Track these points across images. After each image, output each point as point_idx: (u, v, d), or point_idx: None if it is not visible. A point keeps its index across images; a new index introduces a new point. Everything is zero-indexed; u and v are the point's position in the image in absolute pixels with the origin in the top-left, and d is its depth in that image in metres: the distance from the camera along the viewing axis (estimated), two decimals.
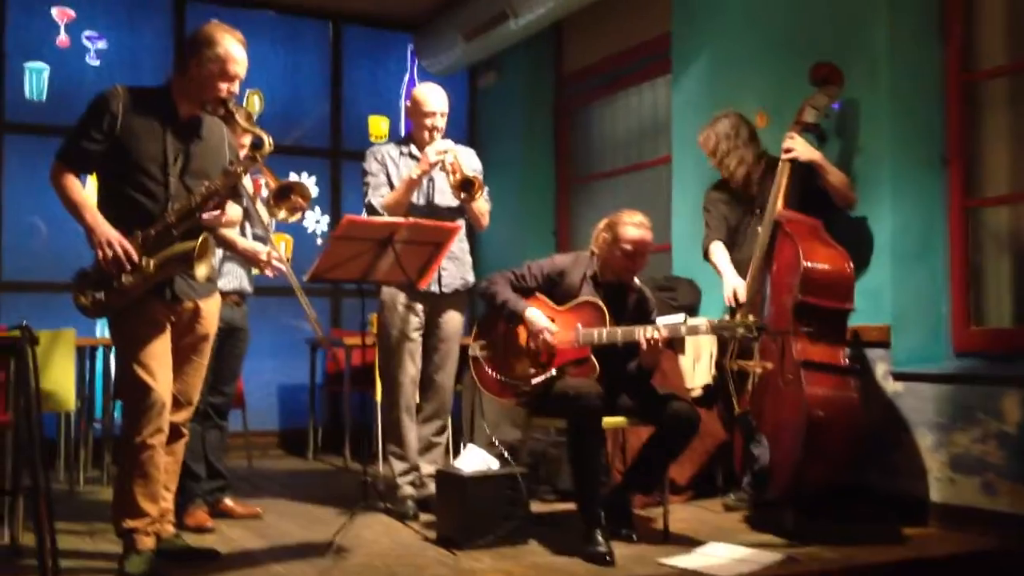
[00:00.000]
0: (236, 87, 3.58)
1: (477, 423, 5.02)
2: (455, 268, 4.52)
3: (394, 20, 7.68)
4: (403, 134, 7.62)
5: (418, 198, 4.45)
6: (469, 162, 4.52)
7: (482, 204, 4.51)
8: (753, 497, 4.29)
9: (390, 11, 7.52)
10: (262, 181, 4.42)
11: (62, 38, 6.67)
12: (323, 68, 7.61)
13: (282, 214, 4.12)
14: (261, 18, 7.34)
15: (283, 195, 4.17)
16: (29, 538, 3.58)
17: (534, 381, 3.90)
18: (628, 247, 3.96)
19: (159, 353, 3.45)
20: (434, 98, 4.48)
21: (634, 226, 3.98)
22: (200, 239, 3.40)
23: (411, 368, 4.46)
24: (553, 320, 3.98)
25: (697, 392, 4.96)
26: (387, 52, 7.78)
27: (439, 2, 7.25)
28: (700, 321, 4.02)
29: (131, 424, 3.41)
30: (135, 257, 3.36)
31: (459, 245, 4.55)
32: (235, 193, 3.78)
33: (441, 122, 4.48)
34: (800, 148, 4.23)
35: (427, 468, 4.48)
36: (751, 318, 3.72)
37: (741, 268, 4.37)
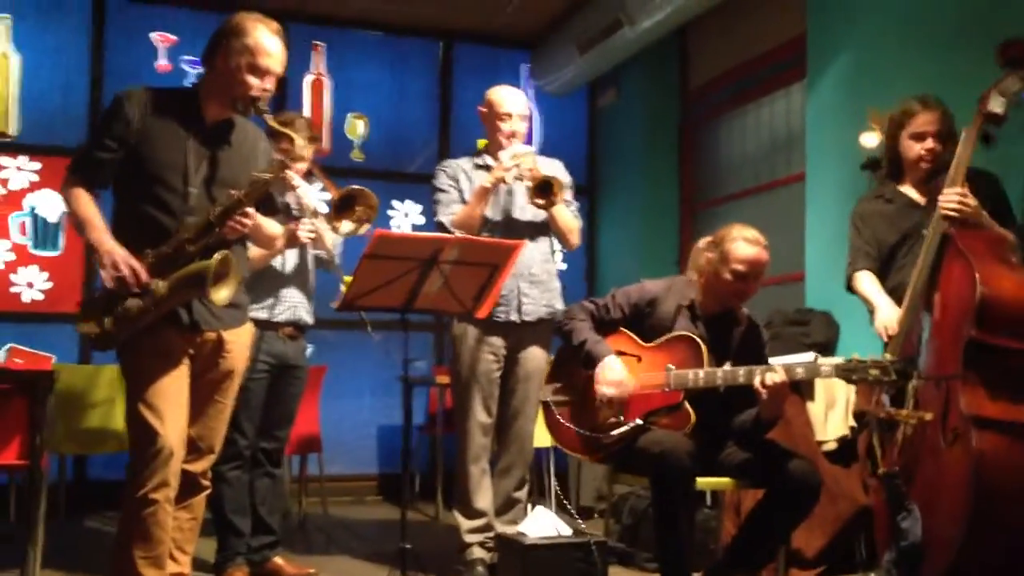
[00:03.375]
0: (270, 84, 3.10)
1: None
2: (539, 294, 3.91)
3: (507, 38, 7.19)
4: None
5: (495, 213, 3.89)
6: (556, 172, 3.93)
7: (568, 217, 3.90)
8: None
9: (503, 28, 7.02)
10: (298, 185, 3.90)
11: (162, 63, 6.46)
12: (432, 90, 7.17)
13: (345, 227, 3.66)
14: (368, 39, 6.99)
15: (345, 206, 3.70)
16: None
17: (614, 433, 3.23)
18: (740, 267, 3.27)
19: (170, 392, 2.97)
20: (511, 99, 3.93)
21: (747, 242, 3.29)
22: (217, 258, 2.91)
23: (481, 414, 3.87)
24: (639, 359, 3.31)
25: (831, 446, 4.17)
26: (500, 71, 7.26)
27: (554, 16, 6.73)
28: (825, 361, 3.25)
29: (133, 475, 2.93)
30: (144, 278, 2.90)
31: (544, 267, 3.95)
32: (273, 208, 3.29)
33: (520, 126, 3.92)
34: (962, 209, 3.22)
35: (504, 529, 3.85)
36: (887, 356, 2.97)
37: (895, 298, 3.48)
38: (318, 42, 6.79)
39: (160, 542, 2.94)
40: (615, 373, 3.26)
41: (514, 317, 3.86)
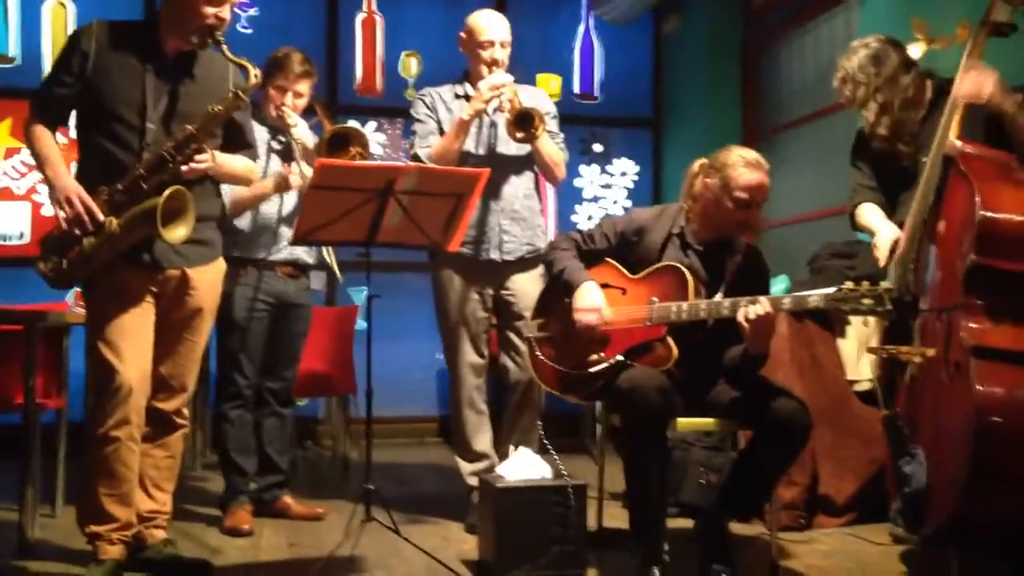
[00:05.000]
0: (226, 12, 3.00)
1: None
2: (520, 231, 3.74)
3: None
4: (577, 89, 6.93)
5: (477, 147, 3.72)
6: (538, 103, 3.71)
7: (552, 149, 3.69)
8: (906, 530, 3.19)
9: None
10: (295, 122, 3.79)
11: None
12: None
13: None
14: None
15: (338, 145, 3.59)
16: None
17: (592, 370, 3.04)
18: (743, 195, 3.01)
19: (130, 329, 2.93)
20: (491, 25, 3.71)
21: (750, 166, 3.03)
22: (167, 194, 2.84)
23: (471, 355, 3.75)
24: (624, 292, 3.10)
25: (864, 386, 3.88)
26: (558, 2, 7.02)
27: None
28: (816, 292, 2.96)
29: (94, 413, 2.92)
30: (98, 216, 2.87)
31: (526, 203, 3.78)
32: (243, 142, 3.20)
33: (502, 54, 3.70)
34: (991, 89, 2.93)
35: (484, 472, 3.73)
36: (882, 284, 2.68)
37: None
38: None
39: (125, 480, 2.94)
40: (591, 298, 3.07)
41: (495, 255, 3.70)
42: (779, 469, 2.95)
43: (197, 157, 2.92)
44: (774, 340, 3.70)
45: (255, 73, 2.98)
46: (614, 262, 3.18)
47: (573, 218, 6.94)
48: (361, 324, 6.58)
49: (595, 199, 6.96)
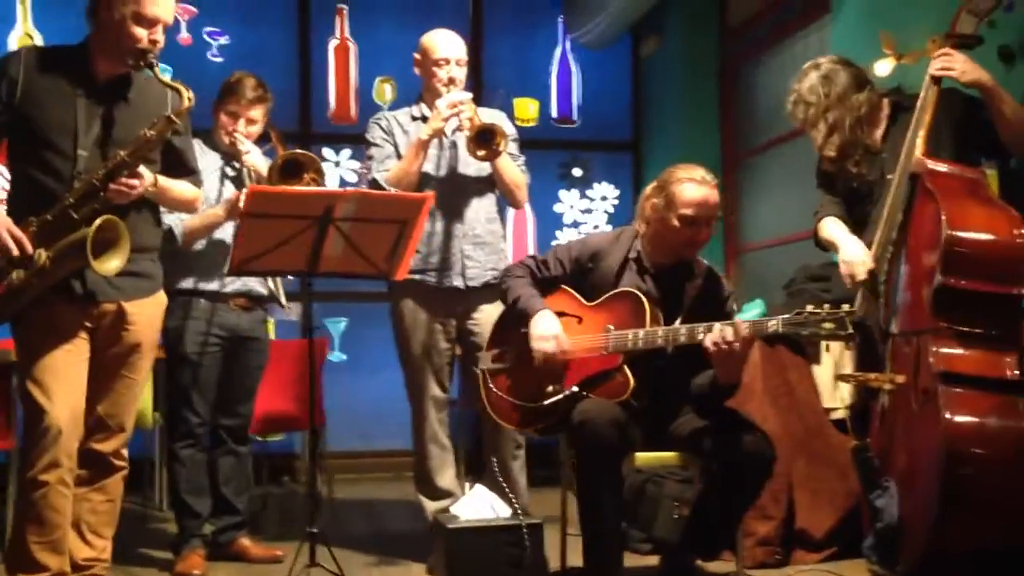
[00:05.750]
0: (159, 35, 2.88)
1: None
2: (484, 256, 3.61)
3: None
4: (554, 115, 6.82)
5: (438, 169, 3.61)
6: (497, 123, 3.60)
7: (513, 171, 3.58)
8: (881, 566, 3.03)
9: None
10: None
11: (183, 36, 6.34)
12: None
13: None
14: None
15: (290, 170, 3.48)
16: None
17: (547, 403, 2.90)
18: (688, 211, 2.89)
19: (61, 368, 2.80)
20: (446, 44, 3.62)
21: (694, 183, 2.92)
22: (97, 224, 2.71)
23: (435, 389, 3.62)
24: (580, 321, 2.97)
25: (841, 414, 3.73)
26: (534, 25, 6.92)
27: None
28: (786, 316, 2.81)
29: (25, 457, 2.79)
30: (27, 248, 2.74)
31: (488, 227, 3.65)
32: (186, 169, 3.08)
33: (458, 72, 3.60)
34: (961, 65, 2.92)
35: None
36: (844, 308, 2.55)
37: None
38: (341, 5, 6.56)
39: (56, 526, 2.79)
40: (547, 325, 2.94)
41: (458, 282, 3.57)
42: (742, 506, 2.81)
43: (125, 180, 2.79)
44: (747, 368, 3.59)
45: (188, 96, 2.87)
46: (569, 289, 3.06)
47: (553, 243, 6.81)
48: (338, 356, 6.48)
49: (575, 224, 6.83)
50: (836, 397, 3.74)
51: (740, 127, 6.06)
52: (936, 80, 2.93)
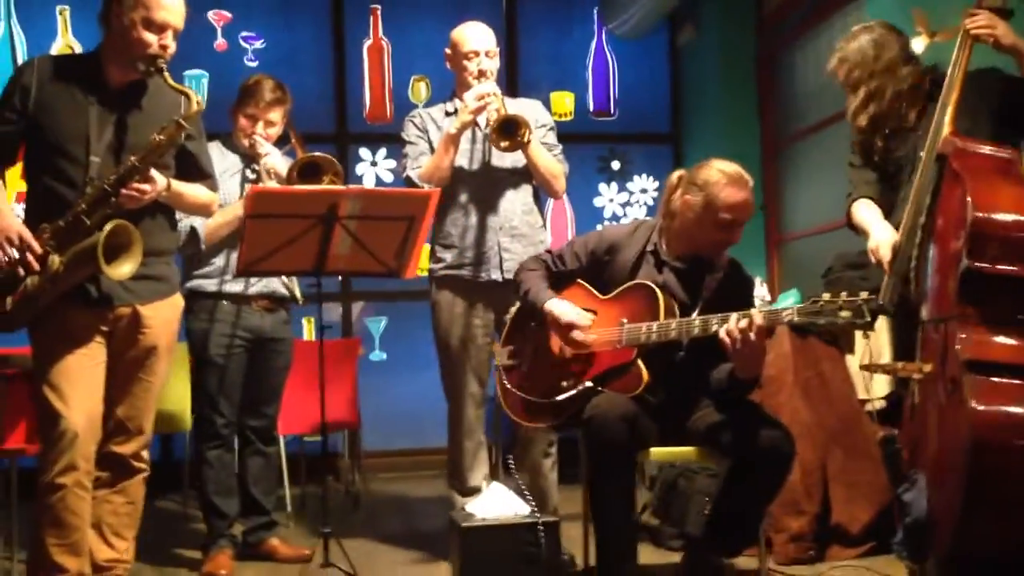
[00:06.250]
0: (169, 40, 2.89)
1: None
2: (522, 248, 3.56)
3: None
4: (591, 109, 6.75)
5: (470, 162, 3.58)
6: (530, 113, 3.55)
7: (547, 160, 3.54)
8: (911, 562, 2.92)
9: None
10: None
11: (219, 42, 6.41)
12: (497, 43, 6.79)
13: None
14: None
15: (310, 174, 3.47)
16: None
17: (559, 398, 2.84)
18: (728, 216, 2.81)
19: (76, 372, 2.82)
20: (475, 36, 3.59)
21: (733, 184, 2.82)
22: (108, 229, 2.73)
23: (473, 384, 3.58)
24: (595, 314, 2.91)
25: (877, 404, 3.61)
26: (570, 18, 6.84)
27: None
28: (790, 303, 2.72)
29: (41, 460, 2.81)
30: (38, 253, 2.76)
31: (525, 219, 3.61)
32: (200, 172, 3.08)
33: (488, 63, 3.57)
34: (1002, 27, 2.78)
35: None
36: (863, 295, 2.45)
37: None
38: (374, 5, 6.56)
39: (75, 528, 2.81)
40: (568, 310, 2.89)
41: (496, 276, 3.53)
42: (761, 502, 2.73)
43: (136, 185, 2.80)
44: (776, 359, 3.51)
45: (197, 100, 2.87)
46: (584, 283, 3.00)
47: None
48: (379, 355, 6.49)
49: (615, 218, 6.75)
50: (872, 388, 3.62)
51: (779, 115, 5.94)
52: (970, 43, 2.80)
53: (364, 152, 6.49)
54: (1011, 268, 2.46)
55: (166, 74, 2.87)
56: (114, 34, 2.88)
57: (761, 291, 4.92)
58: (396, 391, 6.24)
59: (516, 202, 3.60)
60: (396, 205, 2.81)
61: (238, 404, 3.70)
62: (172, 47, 2.91)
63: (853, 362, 3.69)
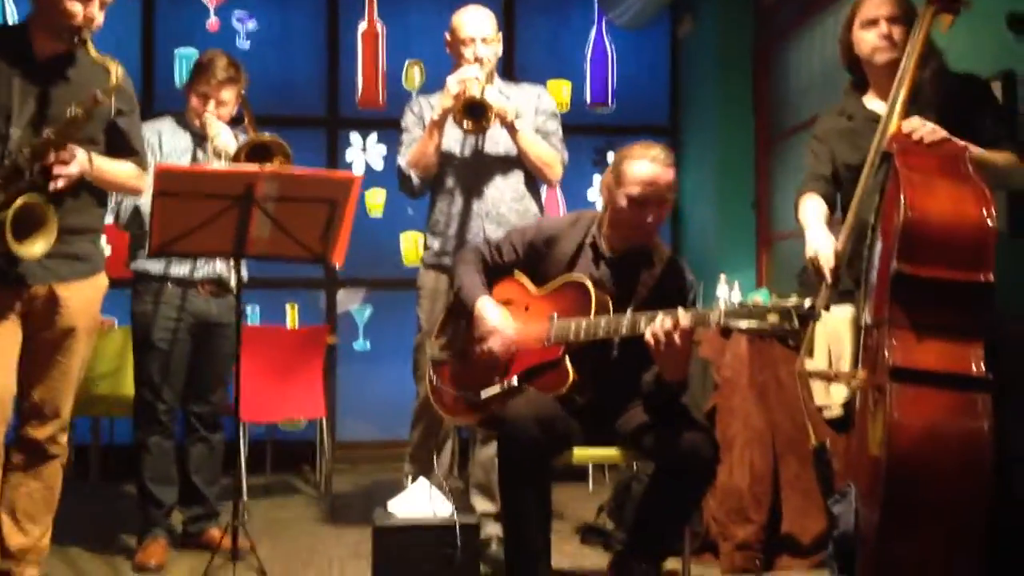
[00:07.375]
0: (95, 11, 2.80)
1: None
2: None
3: None
4: (588, 100, 6.60)
5: (462, 148, 3.50)
6: (525, 101, 3.47)
7: (537, 148, 3.46)
8: None
9: None
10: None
11: (212, 21, 6.32)
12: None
13: None
14: None
15: (258, 155, 3.36)
16: None
17: (484, 394, 2.72)
18: (635, 190, 2.68)
19: None
20: (470, 22, 3.52)
21: (644, 158, 2.69)
22: (17, 205, 2.64)
23: None
24: (527, 309, 2.79)
25: (835, 412, 3.44)
26: (568, 6, 6.69)
27: None
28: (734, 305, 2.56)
29: None
30: None
31: (514, 206, 3.52)
32: (128, 148, 2.99)
33: (484, 50, 3.48)
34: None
35: (482, 505, 3.44)
36: (794, 298, 2.32)
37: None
38: None
39: None
40: (491, 316, 2.77)
41: None
42: (683, 508, 2.60)
43: (60, 168, 2.71)
44: (732, 361, 3.37)
45: (117, 73, 2.76)
46: (521, 276, 2.88)
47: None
48: (363, 344, 6.38)
49: None
50: (830, 395, 3.46)
51: (775, 108, 5.76)
52: (923, 37, 2.62)
53: (355, 137, 6.39)
54: (943, 272, 2.31)
55: (89, 45, 2.77)
56: (41, 4, 2.80)
57: (733, 294, 4.78)
58: (379, 382, 6.15)
59: (505, 189, 3.52)
60: (315, 187, 2.71)
61: (181, 390, 3.61)
62: (99, 19, 2.81)
63: (811, 366, 3.53)
